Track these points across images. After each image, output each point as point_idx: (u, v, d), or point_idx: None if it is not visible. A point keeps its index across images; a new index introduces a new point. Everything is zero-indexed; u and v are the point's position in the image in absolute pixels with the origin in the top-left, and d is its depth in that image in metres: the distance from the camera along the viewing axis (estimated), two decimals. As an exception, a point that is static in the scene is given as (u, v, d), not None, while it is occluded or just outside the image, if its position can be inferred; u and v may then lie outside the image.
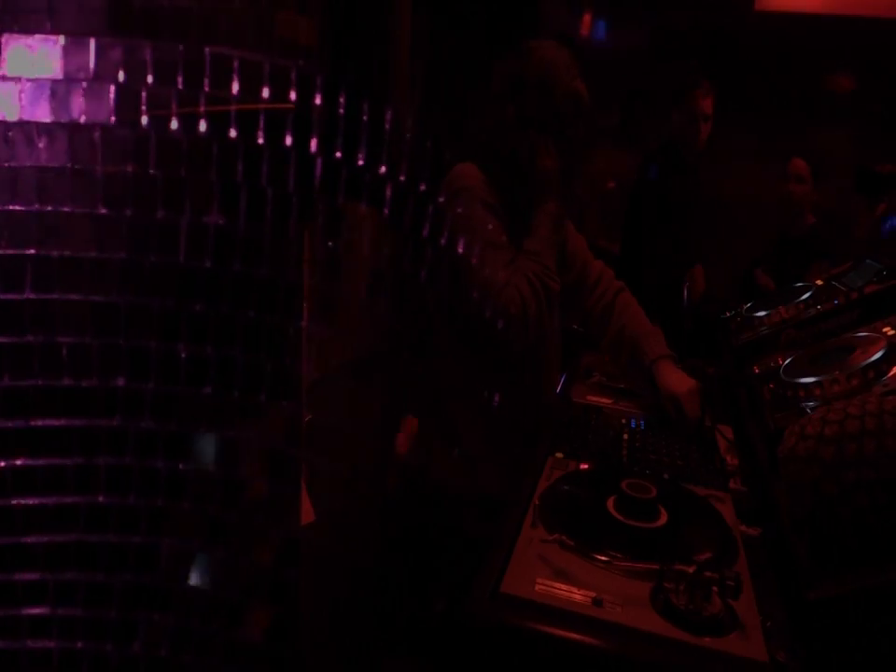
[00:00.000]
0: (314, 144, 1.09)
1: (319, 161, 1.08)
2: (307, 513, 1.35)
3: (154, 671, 0.96)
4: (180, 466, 1.08)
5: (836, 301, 1.55)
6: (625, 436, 1.36)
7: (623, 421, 1.44)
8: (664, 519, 1.05)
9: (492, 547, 0.98)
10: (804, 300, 1.65)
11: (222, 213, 1.00)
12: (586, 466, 1.21)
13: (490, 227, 1.50)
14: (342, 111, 1.04)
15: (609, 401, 1.53)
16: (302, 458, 1.38)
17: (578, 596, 0.89)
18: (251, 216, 1.05)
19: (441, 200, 1.57)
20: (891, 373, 1.14)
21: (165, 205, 0.96)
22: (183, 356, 1.04)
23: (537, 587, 0.90)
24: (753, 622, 0.88)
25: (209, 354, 1.06)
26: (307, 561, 1.24)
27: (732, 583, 0.87)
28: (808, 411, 1.11)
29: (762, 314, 1.66)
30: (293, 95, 1.00)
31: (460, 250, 1.48)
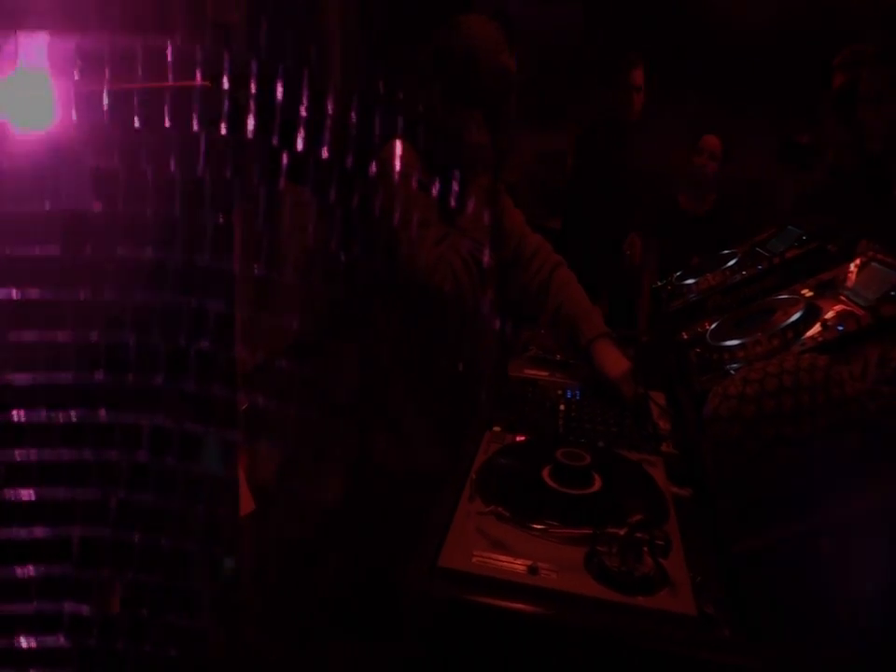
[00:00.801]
0: (249, 129, 1.06)
1: (255, 147, 1.06)
2: (247, 503, 1.34)
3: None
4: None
5: (760, 267, 1.61)
6: (562, 407, 1.39)
7: (560, 392, 1.46)
8: (597, 485, 1.07)
9: (429, 522, 0.99)
10: (729, 266, 1.70)
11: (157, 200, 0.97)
12: (522, 438, 1.23)
13: (421, 204, 1.49)
14: (278, 96, 1.02)
15: (546, 374, 1.55)
16: (240, 445, 1.36)
17: (514, 566, 0.90)
18: (186, 203, 1.02)
19: (373, 179, 1.56)
20: (809, 333, 1.18)
21: (99, 197, 0.93)
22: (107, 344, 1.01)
23: (474, 559, 0.91)
24: (683, 578, 0.91)
25: (131, 343, 1.03)
26: (247, 545, 1.23)
27: (661, 543, 0.90)
28: (732, 372, 1.14)
29: (690, 281, 1.70)
30: (226, 82, 0.98)
31: (392, 228, 1.47)
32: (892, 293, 1.19)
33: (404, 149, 1.54)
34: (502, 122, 1.61)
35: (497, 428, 1.26)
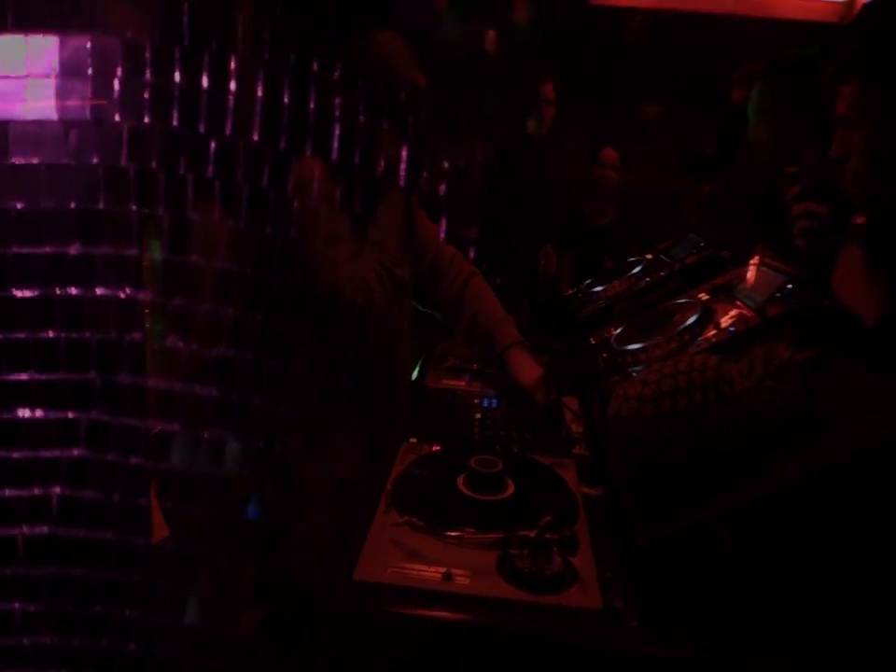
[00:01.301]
0: (153, 161, 1.05)
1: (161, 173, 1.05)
2: (160, 528, 1.31)
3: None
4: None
5: (662, 273, 1.69)
6: (477, 415, 1.41)
7: (476, 401, 1.49)
8: (510, 490, 1.10)
9: (344, 537, 0.99)
10: (635, 273, 1.77)
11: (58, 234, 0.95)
12: (438, 448, 1.25)
13: (334, 219, 1.50)
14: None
15: (463, 383, 1.58)
16: (151, 471, 1.33)
17: (428, 574, 0.92)
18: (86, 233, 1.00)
19: (286, 196, 1.55)
20: (704, 335, 1.25)
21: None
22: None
23: (389, 570, 0.92)
24: (591, 575, 0.94)
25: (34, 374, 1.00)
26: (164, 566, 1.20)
27: (570, 542, 0.94)
28: (634, 374, 1.20)
29: (599, 288, 1.77)
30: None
31: (306, 245, 1.48)
32: (777, 295, 1.27)
33: (316, 165, 1.54)
34: (413, 136, 1.64)
35: (413, 440, 1.27)
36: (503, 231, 3.18)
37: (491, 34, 4.32)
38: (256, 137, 1.10)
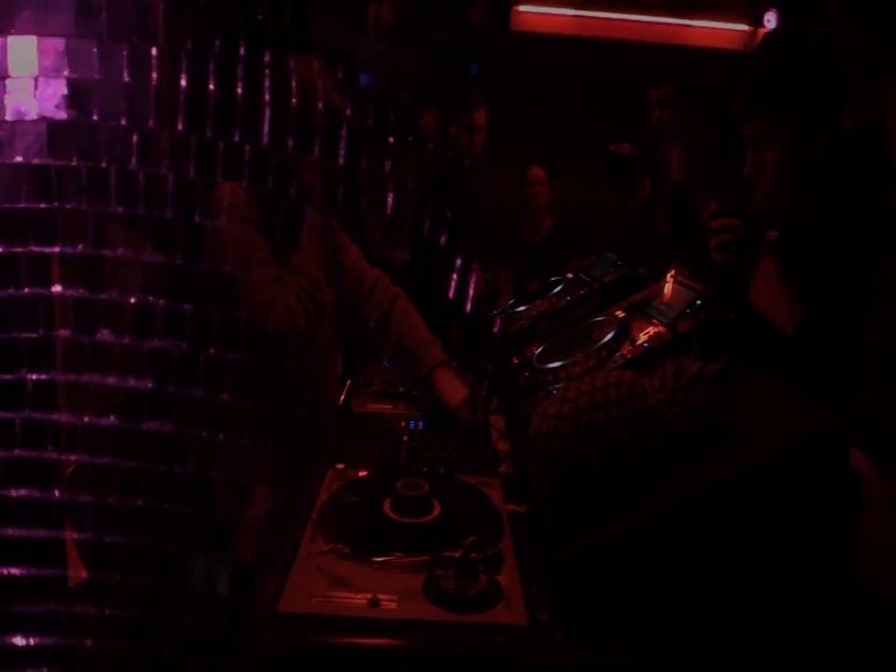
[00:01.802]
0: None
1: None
2: (77, 571, 1.25)
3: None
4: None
5: (582, 292, 1.74)
6: (405, 438, 1.42)
7: (403, 424, 1.49)
8: (437, 512, 1.10)
9: (269, 568, 0.98)
10: (556, 292, 1.82)
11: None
12: (365, 473, 1.24)
13: (254, 245, 1.49)
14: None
15: (389, 407, 1.58)
16: (66, 509, 1.28)
17: (354, 601, 0.91)
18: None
19: (205, 222, 1.53)
20: (620, 351, 1.30)
21: None
22: None
23: (314, 600, 0.91)
24: (517, 591, 0.96)
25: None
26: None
27: (494, 560, 0.95)
28: (554, 392, 1.23)
29: (521, 308, 1.81)
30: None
31: (225, 271, 1.46)
32: (687, 310, 1.33)
33: (234, 190, 1.53)
34: (333, 160, 1.64)
35: (340, 466, 1.27)
36: (434, 253, 3.21)
37: (415, 59, 4.39)
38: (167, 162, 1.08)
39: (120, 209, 0.92)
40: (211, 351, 1.55)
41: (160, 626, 1.00)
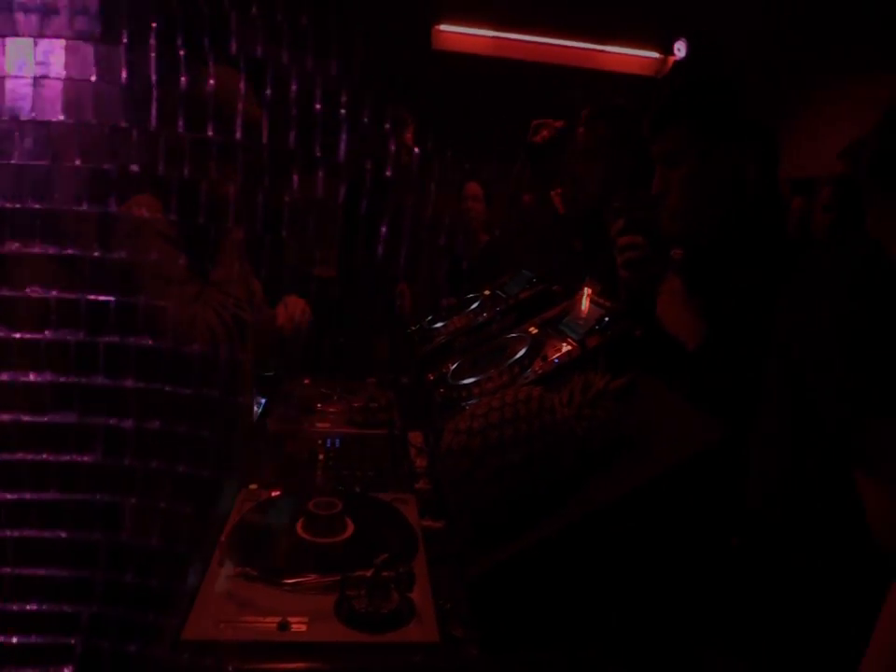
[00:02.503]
0: None
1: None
2: None
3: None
4: None
5: (498, 308, 1.77)
6: (321, 456, 1.40)
7: (320, 442, 1.48)
8: (350, 530, 1.09)
9: (173, 594, 0.94)
10: (473, 309, 1.84)
11: None
12: (278, 493, 1.22)
13: (171, 261, 1.44)
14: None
15: (306, 424, 1.56)
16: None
17: (263, 625, 0.90)
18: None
19: (118, 237, 1.47)
20: (532, 367, 1.33)
21: None
22: None
23: (221, 626, 0.89)
24: (429, 609, 0.96)
25: None
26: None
27: (406, 577, 0.95)
28: (467, 408, 1.24)
29: (440, 325, 1.82)
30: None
31: (140, 289, 1.41)
32: (596, 327, 1.38)
33: (151, 203, 1.48)
34: (249, 173, 1.61)
35: (253, 486, 1.24)
36: (359, 269, 3.20)
37: (332, 71, 4.38)
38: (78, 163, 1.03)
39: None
40: (129, 381, 1.49)
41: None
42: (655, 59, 4.60)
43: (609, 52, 4.59)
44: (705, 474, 0.97)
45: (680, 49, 4.54)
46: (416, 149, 3.25)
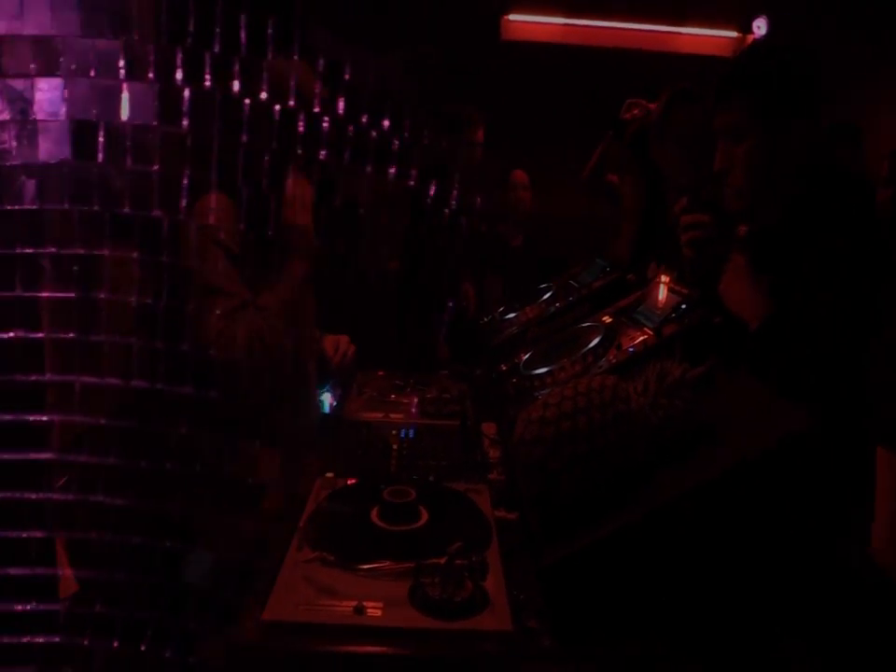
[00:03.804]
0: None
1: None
2: (68, 584, 1.25)
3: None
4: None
5: (570, 298, 1.74)
6: (395, 446, 1.42)
7: (394, 432, 1.50)
8: (424, 519, 1.11)
9: (255, 577, 0.98)
10: (546, 299, 1.83)
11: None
12: (353, 481, 1.25)
13: (219, 270, 1.43)
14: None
15: (380, 415, 1.58)
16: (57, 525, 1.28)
17: (340, 609, 0.92)
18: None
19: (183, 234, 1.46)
20: (606, 356, 1.30)
21: None
22: None
23: (300, 608, 0.92)
24: (502, 598, 0.96)
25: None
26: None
27: (479, 566, 0.95)
28: (540, 398, 1.23)
29: (511, 315, 1.82)
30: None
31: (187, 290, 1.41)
32: (673, 314, 1.34)
33: (222, 205, 1.49)
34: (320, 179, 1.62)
35: (329, 474, 1.27)
36: (422, 263, 3.23)
37: (403, 68, 4.41)
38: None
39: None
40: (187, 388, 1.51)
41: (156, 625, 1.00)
42: (733, 38, 4.42)
43: (685, 34, 4.44)
44: (791, 463, 0.93)
45: (760, 27, 4.34)
46: (481, 148, 3.27)
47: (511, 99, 3.94)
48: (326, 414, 1.65)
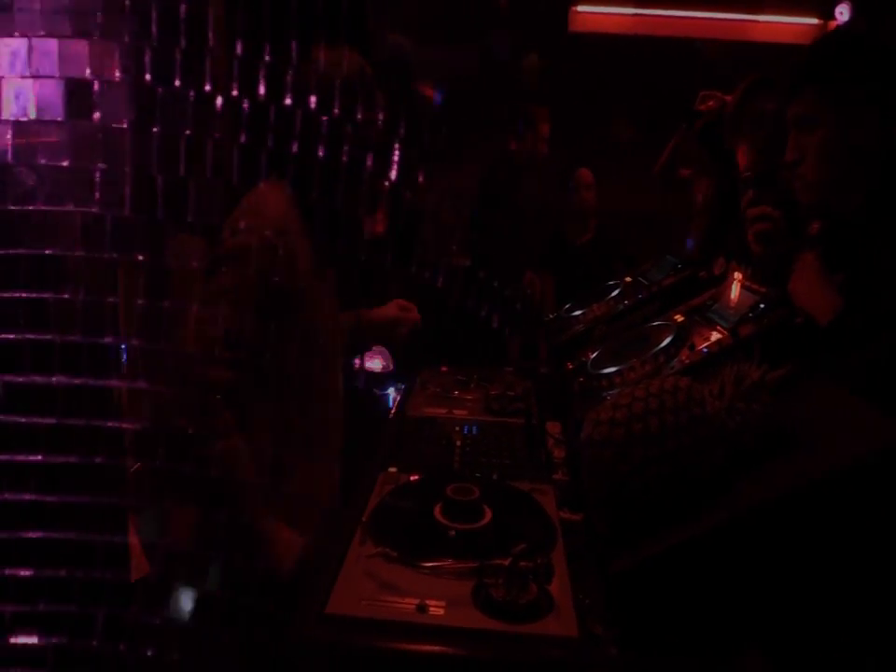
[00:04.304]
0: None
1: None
2: (140, 567, 1.29)
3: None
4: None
5: (640, 296, 1.70)
6: (458, 443, 1.41)
7: (457, 429, 1.48)
8: (488, 518, 1.09)
9: (318, 568, 0.98)
10: (613, 296, 1.78)
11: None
12: (416, 477, 1.24)
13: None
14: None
15: (443, 411, 1.57)
16: (130, 509, 1.32)
17: (402, 606, 0.91)
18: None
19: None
20: (678, 356, 1.26)
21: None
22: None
23: (362, 603, 0.91)
24: (568, 602, 0.93)
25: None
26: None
27: (544, 569, 0.93)
28: (608, 399, 1.20)
29: (578, 313, 1.78)
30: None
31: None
32: (750, 314, 1.28)
33: (279, 202, 1.38)
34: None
35: (392, 469, 1.27)
36: (490, 258, 3.21)
37: (473, 61, 4.39)
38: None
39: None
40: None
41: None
42: (814, 25, 4.23)
43: (762, 21, 4.27)
44: (883, 477, 0.87)
45: (843, 13, 4.14)
46: (546, 143, 3.22)
47: (579, 92, 3.88)
48: (388, 409, 1.65)
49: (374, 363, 1.82)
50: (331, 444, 1.53)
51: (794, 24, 4.23)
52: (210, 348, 1.27)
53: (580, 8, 4.27)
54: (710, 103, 2.17)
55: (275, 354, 1.29)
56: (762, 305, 1.27)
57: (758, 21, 4.27)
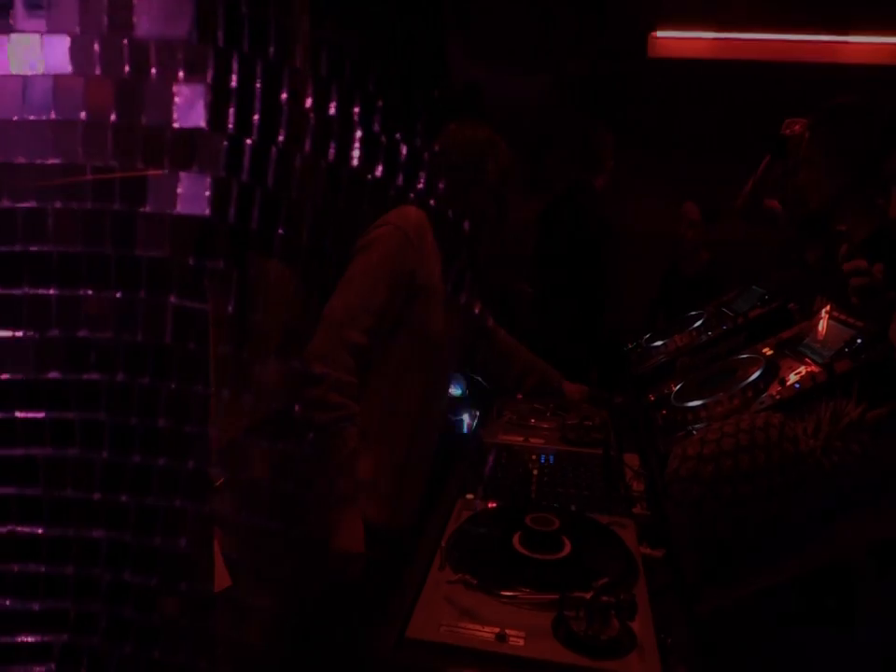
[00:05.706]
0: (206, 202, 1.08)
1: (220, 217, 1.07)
2: (222, 578, 1.32)
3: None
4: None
5: (724, 327, 1.65)
6: (535, 472, 1.40)
7: (534, 457, 1.47)
8: (567, 549, 1.08)
9: (398, 592, 0.99)
10: (696, 327, 1.74)
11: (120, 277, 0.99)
12: (494, 504, 1.24)
13: (373, 293, 1.48)
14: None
15: (521, 439, 1.56)
16: (214, 521, 1.36)
17: (482, 634, 0.91)
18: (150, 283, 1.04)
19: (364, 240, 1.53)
20: (768, 391, 1.22)
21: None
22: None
23: (441, 629, 0.91)
24: (650, 641, 0.91)
25: (104, 421, 1.04)
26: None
27: (627, 605, 0.91)
28: (694, 433, 1.17)
29: (659, 343, 1.74)
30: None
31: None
32: (846, 349, 1.23)
33: (420, 222, 1.53)
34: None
35: (469, 496, 1.27)
36: (562, 287, 3.17)
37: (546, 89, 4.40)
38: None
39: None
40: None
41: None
42: (906, 43, 4.05)
43: (851, 42, 4.12)
44: None
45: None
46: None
47: (659, 119, 3.83)
48: (464, 435, 1.66)
49: (453, 388, 1.83)
50: (424, 453, 1.60)
51: (888, 44, 4.07)
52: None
53: (659, 34, 4.23)
54: (796, 128, 2.09)
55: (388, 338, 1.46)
56: (859, 340, 1.22)
57: (847, 42, 4.12)
